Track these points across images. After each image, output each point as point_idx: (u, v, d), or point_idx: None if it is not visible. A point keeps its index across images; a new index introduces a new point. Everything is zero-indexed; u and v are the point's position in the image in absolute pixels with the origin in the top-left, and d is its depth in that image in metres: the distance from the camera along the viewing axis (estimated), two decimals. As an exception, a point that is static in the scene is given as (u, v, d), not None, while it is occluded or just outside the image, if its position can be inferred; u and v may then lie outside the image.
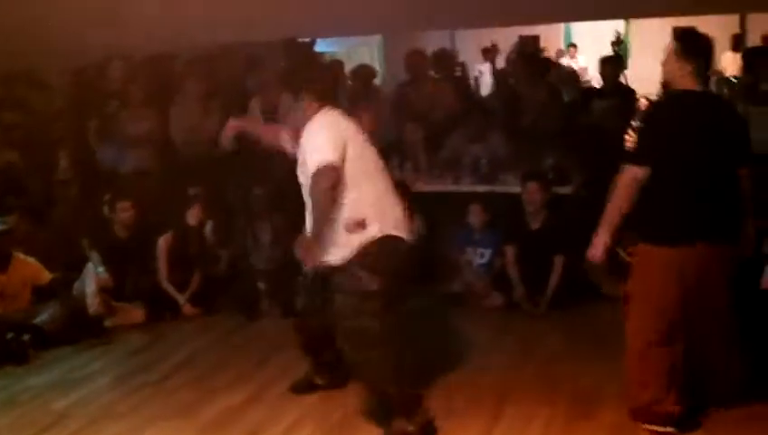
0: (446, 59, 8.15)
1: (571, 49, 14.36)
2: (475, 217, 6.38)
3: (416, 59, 7.76)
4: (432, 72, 7.83)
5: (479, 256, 6.36)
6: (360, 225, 3.96)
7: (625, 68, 10.26)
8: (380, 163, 4.18)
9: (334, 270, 4.04)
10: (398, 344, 4.06)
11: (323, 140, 3.97)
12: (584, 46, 14.21)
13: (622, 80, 8.48)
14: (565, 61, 13.31)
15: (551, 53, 12.84)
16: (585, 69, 12.60)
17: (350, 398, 4.54)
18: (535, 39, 12.95)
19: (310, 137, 4.05)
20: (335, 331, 4.12)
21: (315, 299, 4.30)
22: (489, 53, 12.13)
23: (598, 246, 3.96)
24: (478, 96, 9.83)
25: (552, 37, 13.97)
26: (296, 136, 4.18)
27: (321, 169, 3.89)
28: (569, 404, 4.40)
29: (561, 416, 4.26)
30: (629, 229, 3.99)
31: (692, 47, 3.91)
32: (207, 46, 7.99)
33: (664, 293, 3.85)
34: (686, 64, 3.87)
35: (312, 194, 3.99)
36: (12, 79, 7.93)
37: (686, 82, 3.88)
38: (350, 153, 3.98)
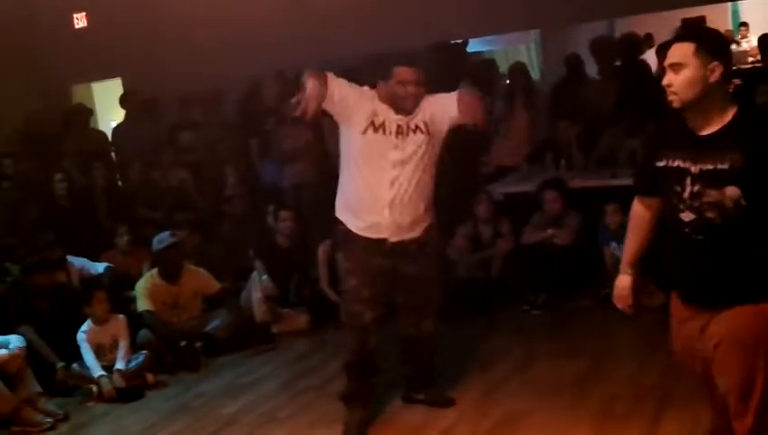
0: (634, 44, 7.75)
1: (742, 29, 13.44)
2: (612, 217, 6.11)
3: (602, 45, 7.52)
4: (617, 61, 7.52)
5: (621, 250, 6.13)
6: None
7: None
8: None
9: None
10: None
11: None
12: (755, 25, 13.31)
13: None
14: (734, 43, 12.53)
15: (719, 34, 12.14)
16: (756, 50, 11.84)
17: (508, 399, 4.58)
18: (701, 20, 12.30)
19: None
20: None
21: None
22: (651, 40, 11.65)
23: None
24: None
25: (719, 17, 13.18)
26: None
27: None
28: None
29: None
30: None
31: None
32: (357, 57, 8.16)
33: None
34: None
35: None
36: (188, 102, 8.40)
37: None
38: None
